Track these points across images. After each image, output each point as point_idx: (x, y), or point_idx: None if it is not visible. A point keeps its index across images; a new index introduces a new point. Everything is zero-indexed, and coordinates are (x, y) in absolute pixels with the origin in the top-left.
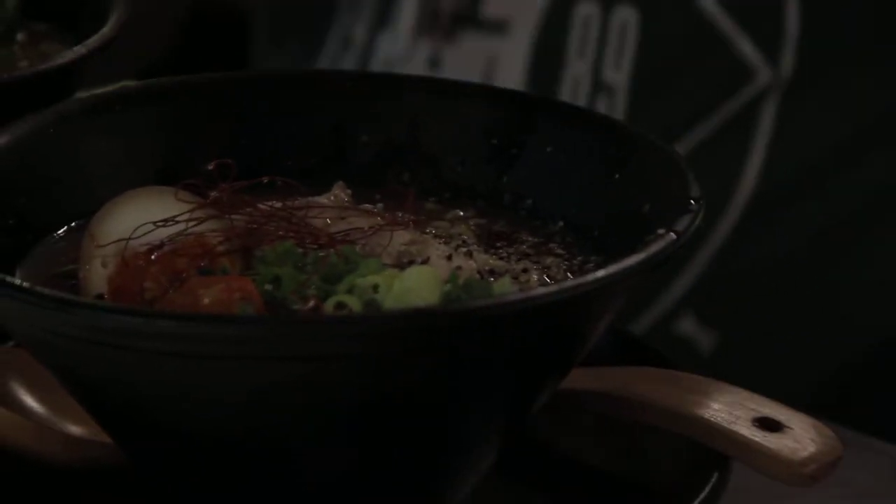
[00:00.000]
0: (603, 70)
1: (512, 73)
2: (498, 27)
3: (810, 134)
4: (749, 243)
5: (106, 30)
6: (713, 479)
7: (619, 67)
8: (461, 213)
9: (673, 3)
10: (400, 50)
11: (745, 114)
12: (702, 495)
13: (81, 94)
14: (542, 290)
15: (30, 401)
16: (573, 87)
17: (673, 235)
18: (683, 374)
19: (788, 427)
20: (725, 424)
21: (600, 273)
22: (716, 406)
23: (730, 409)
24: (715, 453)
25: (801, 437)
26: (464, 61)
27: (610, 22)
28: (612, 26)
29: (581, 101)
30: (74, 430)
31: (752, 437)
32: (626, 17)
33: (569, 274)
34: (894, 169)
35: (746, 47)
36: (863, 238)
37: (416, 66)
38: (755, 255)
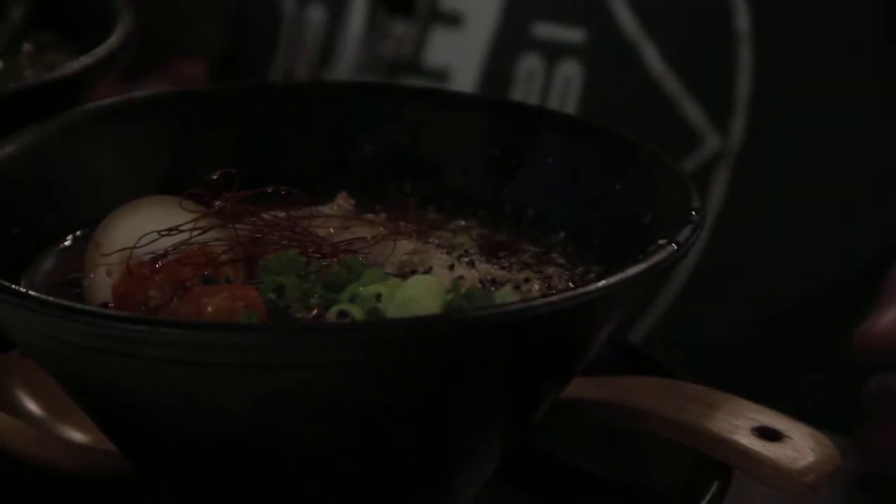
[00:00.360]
0: None
1: None
2: (439, 76)
3: (760, 205)
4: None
5: (111, 40)
6: (713, 489)
7: None
8: (463, 223)
9: (619, 60)
10: None
11: (695, 180)
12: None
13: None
14: (543, 300)
15: (33, 407)
16: None
17: (674, 246)
18: (684, 384)
19: (788, 437)
20: (725, 434)
21: (602, 283)
22: (715, 415)
23: (729, 419)
24: (715, 463)
25: (800, 447)
26: None
27: (553, 77)
28: (555, 81)
29: None
30: (77, 436)
31: (752, 447)
32: (571, 73)
33: (570, 284)
34: (845, 247)
35: (695, 111)
36: (814, 317)
37: None
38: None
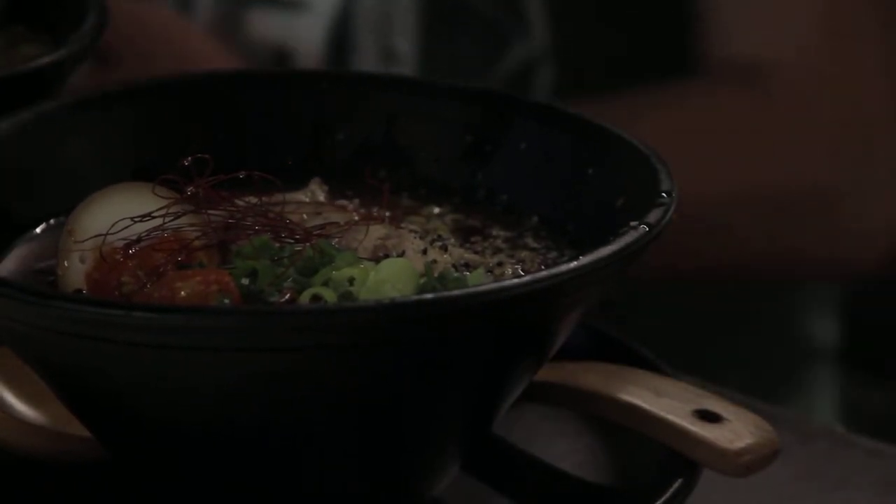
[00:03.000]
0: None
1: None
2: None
3: None
4: None
5: (84, 33)
6: (676, 485)
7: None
8: (436, 209)
9: None
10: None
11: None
12: (662, 498)
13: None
14: (516, 280)
15: (8, 395)
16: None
17: (645, 228)
18: (633, 369)
19: (727, 419)
20: (665, 415)
21: (573, 264)
22: (659, 398)
23: (672, 401)
24: (682, 460)
25: (738, 429)
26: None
27: None
28: None
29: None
30: (53, 423)
31: (690, 428)
32: None
33: (542, 267)
34: None
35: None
36: None
37: None
38: None
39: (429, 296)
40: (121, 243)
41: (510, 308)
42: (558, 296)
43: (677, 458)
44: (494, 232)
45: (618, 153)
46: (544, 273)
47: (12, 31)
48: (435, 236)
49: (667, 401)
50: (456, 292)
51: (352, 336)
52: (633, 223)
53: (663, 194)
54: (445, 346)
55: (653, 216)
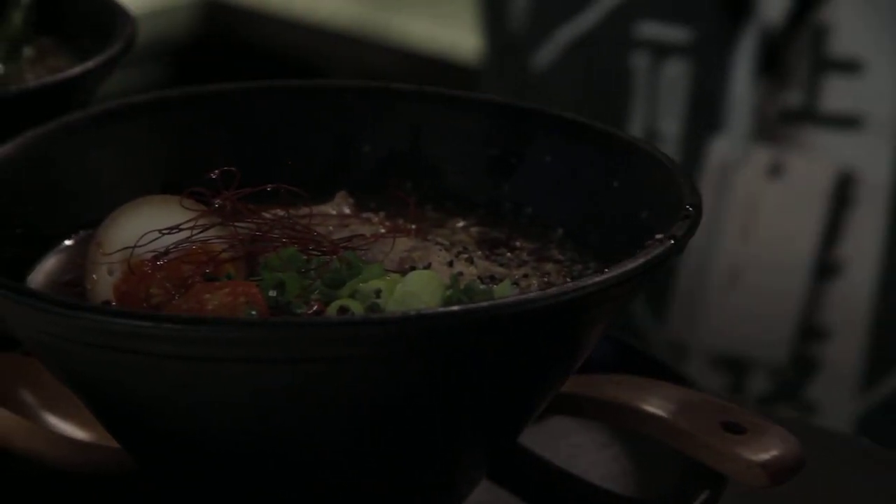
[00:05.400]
0: None
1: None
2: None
3: None
4: None
5: (114, 45)
6: (702, 497)
7: None
8: (461, 222)
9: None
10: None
11: None
12: None
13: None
14: (542, 293)
15: (38, 406)
16: None
17: (671, 241)
18: (658, 381)
19: (753, 432)
20: (691, 427)
21: (599, 277)
22: (686, 411)
23: (698, 413)
24: (709, 472)
25: (764, 441)
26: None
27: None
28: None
29: None
30: (81, 434)
31: (716, 440)
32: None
33: (568, 279)
34: None
35: None
36: None
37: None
38: None
39: (456, 308)
40: (149, 255)
41: (537, 320)
42: (585, 308)
43: (703, 469)
44: (519, 244)
45: (643, 166)
46: (571, 285)
47: (40, 43)
48: (461, 248)
49: (693, 413)
50: (483, 304)
51: (379, 348)
52: (658, 236)
53: (688, 207)
54: (472, 357)
55: (678, 229)
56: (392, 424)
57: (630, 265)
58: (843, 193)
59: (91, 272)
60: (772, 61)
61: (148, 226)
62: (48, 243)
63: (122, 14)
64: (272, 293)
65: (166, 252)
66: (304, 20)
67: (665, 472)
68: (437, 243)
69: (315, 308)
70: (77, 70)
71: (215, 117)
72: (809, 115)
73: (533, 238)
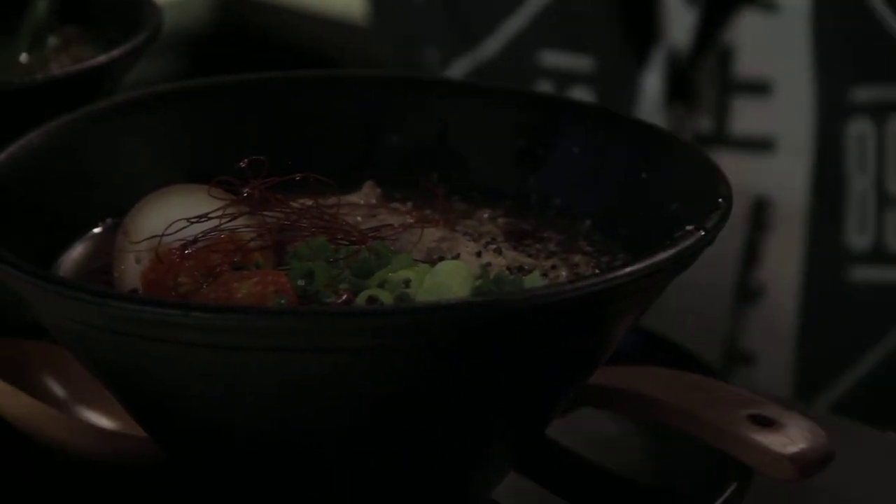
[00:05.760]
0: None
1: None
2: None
3: None
4: None
5: (139, 34)
6: (730, 490)
7: None
8: (489, 213)
9: None
10: None
11: None
12: (717, 502)
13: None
14: (573, 284)
15: (64, 395)
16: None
17: (701, 232)
18: (687, 373)
19: (782, 424)
20: (719, 419)
21: (630, 268)
22: (715, 404)
23: (726, 406)
24: (736, 464)
25: (792, 434)
26: None
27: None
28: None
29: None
30: (108, 423)
31: (745, 432)
32: None
33: (597, 271)
34: None
35: None
36: None
37: None
38: None
39: (486, 298)
40: (177, 244)
41: (566, 311)
42: (615, 299)
43: (731, 462)
44: (547, 235)
45: (672, 156)
46: (602, 276)
47: (64, 32)
48: (489, 239)
49: (720, 405)
50: (513, 295)
51: (409, 337)
52: (689, 227)
53: (720, 199)
54: (501, 348)
55: (710, 221)
56: (420, 415)
57: (661, 256)
58: (759, 218)
59: (119, 260)
60: (680, 86)
61: (175, 214)
62: (75, 232)
63: (147, 3)
64: (301, 282)
65: (194, 241)
66: (321, 12)
67: (692, 465)
68: (465, 234)
69: (344, 297)
70: (103, 59)
71: (243, 106)
72: (721, 140)
73: (561, 229)
